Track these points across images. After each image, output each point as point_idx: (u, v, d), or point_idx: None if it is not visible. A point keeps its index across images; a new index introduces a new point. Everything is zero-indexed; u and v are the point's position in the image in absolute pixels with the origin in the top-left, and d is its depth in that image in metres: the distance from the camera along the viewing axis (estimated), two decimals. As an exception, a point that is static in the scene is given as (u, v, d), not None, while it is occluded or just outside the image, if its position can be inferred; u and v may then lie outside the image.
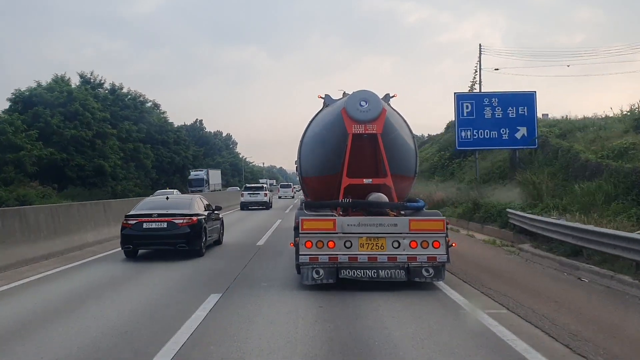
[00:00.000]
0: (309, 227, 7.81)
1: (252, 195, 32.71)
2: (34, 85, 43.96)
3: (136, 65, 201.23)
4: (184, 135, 67.95)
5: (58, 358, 5.08)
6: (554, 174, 17.96)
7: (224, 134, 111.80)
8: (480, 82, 33.30)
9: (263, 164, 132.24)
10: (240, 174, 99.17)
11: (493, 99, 22.89)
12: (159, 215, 11.40)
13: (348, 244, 7.72)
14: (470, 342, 5.44)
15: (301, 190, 13.58)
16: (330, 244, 7.74)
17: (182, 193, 30.52)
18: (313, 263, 7.73)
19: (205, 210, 12.54)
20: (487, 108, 22.94)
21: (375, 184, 8.48)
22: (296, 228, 8.00)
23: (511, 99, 22.93)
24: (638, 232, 8.99)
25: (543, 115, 28.12)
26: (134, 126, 51.01)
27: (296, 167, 11.31)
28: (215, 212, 13.56)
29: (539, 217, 12.29)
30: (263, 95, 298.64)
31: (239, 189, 56.81)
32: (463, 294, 7.58)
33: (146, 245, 11.70)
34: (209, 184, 56.86)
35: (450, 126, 48.46)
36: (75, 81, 49.63)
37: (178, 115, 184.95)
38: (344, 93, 9.65)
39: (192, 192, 42.71)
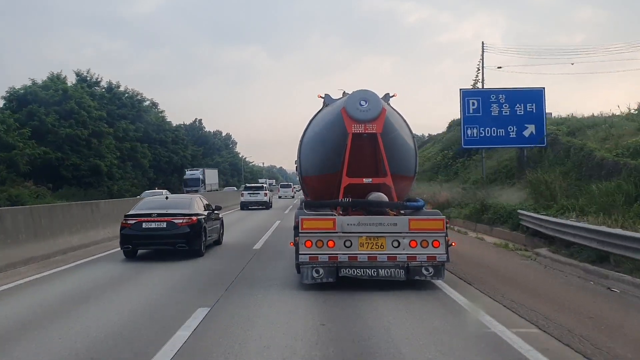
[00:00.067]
0: (308, 226, 7.87)
1: (252, 195, 32.83)
2: (29, 83, 42.52)
3: (136, 65, 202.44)
4: (183, 134, 66.91)
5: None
6: (565, 174, 17.12)
7: (223, 134, 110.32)
8: (483, 80, 32.58)
9: (263, 163, 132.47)
10: (239, 173, 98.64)
11: (500, 96, 22.00)
12: (159, 215, 11.43)
13: (348, 244, 7.79)
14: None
15: (301, 190, 13.57)
16: (330, 243, 7.79)
17: (173, 193, 29.41)
18: (313, 262, 7.79)
19: (205, 210, 12.58)
20: (494, 105, 22.04)
21: (375, 183, 8.55)
22: (296, 227, 8.07)
23: (519, 96, 22.08)
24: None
25: (547, 113, 27.02)
26: (131, 125, 50.23)
27: (296, 166, 11.35)
28: (215, 212, 13.58)
29: (557, 220, 11.36)
30: (263, 95, 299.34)
31: (235, 189, 55.98)
32: (485, 309, 6.88)
33: (145, 245, 11.75)
34: (205, 184, 55.72)
35: (452, 125, 47.76)
36: (71, 79, 48.57)
37: (178, 115, 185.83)
38: (344, 93, 9.69)
39: (188, 192, 41.48)
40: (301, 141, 10.14)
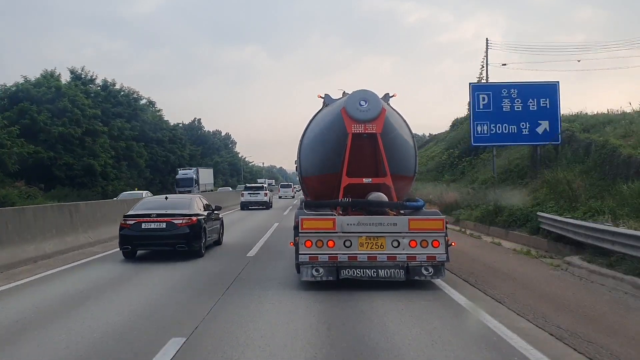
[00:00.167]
0: (308, 226, 7.96)
1: (252, 195, 33.03)
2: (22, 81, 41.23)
3: (136, 65, 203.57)
4: (180, 133, 65.50)
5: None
6: (586, 172, 15.64)
7: (222, 134, 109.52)
8: (487, 77, 31.38)
9: (263, 163, 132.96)
10: (239, 173, 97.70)
11: (512, 90, 20.77)
12: (158, 215, 11.48)
13: (348, 243, 7.89)
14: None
15: (301, 190, 13.68)
16: (330, 243, 7.89)
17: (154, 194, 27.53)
18: (313, 262, 7.89)
19: (205, 210, 12.64)
20: (506, 100, 20.77)
21: (375, 183, 8.67)
22: (296, 227, 8.19)
23: (532, 90, 20.94)
24: None
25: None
26: (126, 124, 49.14)
27: (296, 166, 11.47)
28: (215, 212, 13.64)
29: (591, 224, 9.91)
30: (263, 95, 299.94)
31: (231, 189, 54.17)
32: (528, 340, 5.65)
33: (145, 246, 11.81)
34: (198, 184, 53.29)
35: (455, 123, 46.47)
36: (66, 77, 47.14)
37: (178, 115, 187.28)
38: (344, 93, 9.80)
39: (180, 192, 39.87)
40: (301, 141, 10.24)
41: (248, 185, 38.60)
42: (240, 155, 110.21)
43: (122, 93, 55.46)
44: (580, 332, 5.82)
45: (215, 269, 10.36)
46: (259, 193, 33.21)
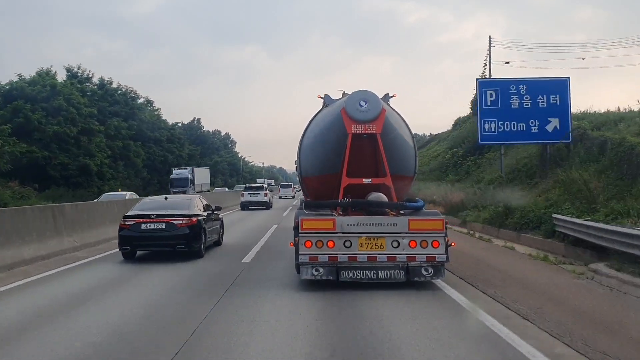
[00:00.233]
0: (308, 226, 8.02)
1: (252, 195, 33.21)
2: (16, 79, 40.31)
3: (136, 65, 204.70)
4: (179, 133, 64.41)
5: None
6: (601, 172, 14.69)
7: (222, 133, 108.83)
8: (490, 76, 30.59)
9: (263, 163, 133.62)
10: (238, 173, 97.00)
11: (521, 86, 19.94)
12: (158, 215, 11.50)
13: (348, 244, 7.97)
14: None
15: (301, 190, 13.68)
16: (330, 243, 7.96)
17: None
18: (313, 263, 7.97)
19: (205, 210, 12.66)
20: (514, 96, 19.96)
21: (375, 183, 8.75)
22: (296, 228, 8.26)
23: (541, 86, 20.11)
24: None
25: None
26: (123, 123, 48.10)
27: (296, 167, 11.54)
28: (215, 212, 13.63)
29: (619, 228, 8.97)
30: (263, 95, 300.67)
31: (227, 189, 52.99)
32: None
33: (145, 246, 11.84)
34: (194, 184, 51.90)
35: (458, 122, 45.61)
36: (62, 76, 46.16)
37: (178, 115, 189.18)
38: (344, 93, 9.87)
39: (175, 193, 38.72)
40: (301, 142, 10.33)
41: (248, 185, 38.63)
42: (240, 155, 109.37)
43: (119, 92, 54.76)
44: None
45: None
46: (259, 193, 33.34)
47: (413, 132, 10.26)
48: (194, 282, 9.26)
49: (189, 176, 51.24)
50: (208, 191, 52.37)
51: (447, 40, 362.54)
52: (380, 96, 8.98)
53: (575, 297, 7.71)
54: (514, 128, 20.49)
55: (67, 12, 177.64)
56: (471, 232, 16.61)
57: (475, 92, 44.04)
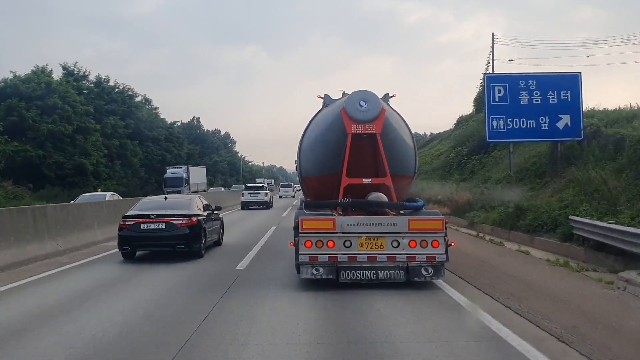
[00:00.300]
0: (308, 226, 8.09)
1: (252, 195, 33.50)
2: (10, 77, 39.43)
3: (136, 65, 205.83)
4: (177, 132, 63.45)
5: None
6: (619, 171, 13.86)
7: (222, 133, 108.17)
8: (493, 74, 29.28)
9: (263, 163, 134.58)
10: (238, 173, 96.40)
11: (530, 82, 19.15)
12: (157, 215, 11.55)
13: (348, 244, 8.04)
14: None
15: (301, 190, 13.65)
16: (330, 243, 8.03)
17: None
18: (313, 262, 8.05)
19: (205, 210, 12.73)
20: (523, 92, 19.12)
21: (375, 183, 8.84)
22: (296, 228, 8.36)
23: (552, 82, 19.35)
24: None
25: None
26: (120, 121, 47.13)
27: (296, 166, 11.61)
28: (215, 212, 13.68)
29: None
30: (263, 95, 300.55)
31: (223, 189, 51.95)
32: None
33: (144, 246, 11.89)
34: (189, 184, 50.36)
35: (460, 121, 44.63)
36: (58, 73, 45.27)
37: (178, 115, 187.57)
38: (344, 93, 9.94)
39: (169, 192, 37.68)
40: (301, 142, 10.42)
41: (248, 185, 38.91)
42: (239, 155, 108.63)
43: (116, 90, 53.89)
44: None
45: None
46: (259, 193, 33.71)
47: (413, 131, 10.30)
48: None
49: (184, 175, 49.97)
50: (204, 191, 51.46)
51: (447, 40, 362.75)
52: (380, 96, 9.06)
53: (611, 312, 6.91)
54: (523, 125, 19.71)
55: (67, 12, 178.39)
56: (481, 235, 15.76)
57: (479, 89, 43.09)
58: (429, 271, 7.98)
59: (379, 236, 8.00)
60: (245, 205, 33.26)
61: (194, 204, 12.29)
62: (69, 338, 5.93)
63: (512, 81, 19.19)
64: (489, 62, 34.56)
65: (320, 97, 10.28)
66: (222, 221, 14.83)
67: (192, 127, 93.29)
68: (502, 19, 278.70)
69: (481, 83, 41.16)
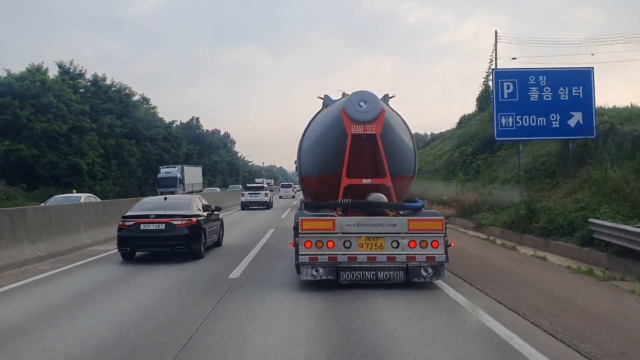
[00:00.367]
0: (308, 227, 8.14)
1: (252, 195, 33.60)
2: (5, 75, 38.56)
3: (136, 65, 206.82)
4: (176, 131, 62.52)
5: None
6: (638, 171, 12.85)
7: (221, 133, 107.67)
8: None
9: (263, 163, 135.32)
10: (238, 173, 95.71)
11: (540, 77, 18.38)
12: (157, 216, 11.60)
13: (347, 244, 8.11)
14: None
15: (301, 190, 13.69)
16: (330, 244, 8.10)
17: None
18: (313, 263, 8.12)
19: (205, 210, 12.80)
20: (533, 88, 18.29)
21: (375, 184, 8.91)
22: (296, 228, 8.44)
23: (563, 77, 18.71)
24: None
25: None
26: (117, 120, 45.99)
27: (296, 167, 11.69)
28: (215, 212, 13.73)
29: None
30: (263, 95, 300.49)
31: (218, 189, 51.14)
32: None
33: (144, 247, 11.90)
34: (183, 184, 48.93)
35: (463, 120, 43.69)
36: (54, 72, 44.38)
37: (178, 115, 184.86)
38: (344, 93, 10.01)
39: (162, 193, 36.62)
40: (301, 142, 10.53)
41: (249, 185, 39.17)
42: (239, 155, 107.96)
43: (113, 89, 52.99)
44: None
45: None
46: (259, 193, 33.88)
47: (413, 131, 10.37)
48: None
49: (178, 175, 48.50)
50: (200, 191, 50.56)
51: (447, 40, 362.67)
52: (380, 97, 9.14)
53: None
54: (533, 123, 18.89)
55: (67, 12, 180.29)
56: (491, 238, 14.89)
57: (482, 88, 42.03)
58: (429, 272, 8.06)
59: (378, 236, 8.08)
60: (245, 206, 33.52)
61: (194, 205, 12.38)
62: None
63: (521, 77, 18.40)
64: (492, 61, 33.67)
65: (320, 97, 10.36)
66: (222, 222, 14.92)
67: (191, 127, 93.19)
68: (502, 19, 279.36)
69: (484, 81, 40.28)
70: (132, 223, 11.44)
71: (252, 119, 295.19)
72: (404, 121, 9.91)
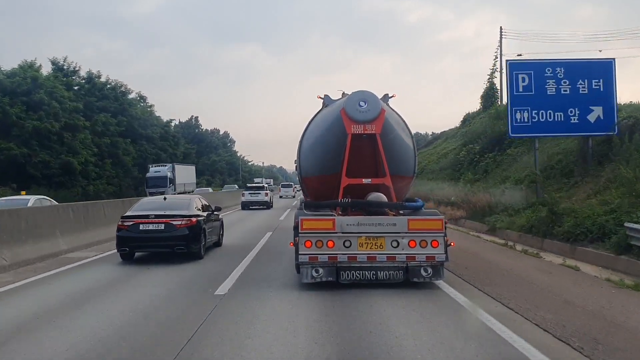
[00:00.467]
0: (308, 226, 8.23)
1: (253, 195, 33.78)
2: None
3: (136, 65, 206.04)
4: (173, 130, 61.15)
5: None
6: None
7: (221, 132, 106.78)
8: (500, 69, 27.49)
9: (263, 163, 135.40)
10: (237, 172, 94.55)
11: (558, 69, 17.26)
12: (156, 216, 11.59)
13: (347, 244, 8.22)
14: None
15: (301, 190, 13.78)
16: (330, 243, 8.19)
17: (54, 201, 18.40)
18: (313, 262, 8.23)
19: (204, 210, 12.86)
20: (550, 81, 17.05)
21: (375, 183, 9.04)
22: (296, 228, 8.59)
23: (582, 69, 18.14)
24: None
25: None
26: (112, 119, 44.52)
27: (296, 167, 11.83)
28: (215, 212, 13.76)
29: None
30: (263, 95, 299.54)
31: (211, 189, 49.62)
32: None
33: (143, 247, 11.88)
34: (174, 184, 46.66)
35: (467, 118, 42.35)
36: (47, 69, 43.03)
37: (178, 115, 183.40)
38: (343, 93, 10.15)
39: (152, 194, 35.07)
40: (301, 142, 10.67)
41: (249, 185, 39.43)
42: (239, 155, 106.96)
43: (108, 86, 51.74)
44: None
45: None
46: (259, 193, 34.16)
47: (413, 131, 10.51)
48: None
49: (169, 174, 46.24)
50: (191, 192, 48.83)
51: (448, 39, 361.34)
52: (380, 96, 9.28)
53: None
54: (549, 118, 17.69)
55: (67, 12, 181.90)
56: (510, 244, 13.48)
57: (486, 85, 40.62)
58: (428, 272, 8.19)
59: (378, 236, 8.18)
60: (246, 205, 33.90)
61: (194, 205, 12.44)
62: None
63: (537, 68, 17.21)
64: (497, 57, 32.22)
65: (320, 97, 10.43)
66: (222, 222, 14.97)
67: (190, 127, 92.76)
68: (503, 17, 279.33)
69: (489, 78, 38.91)
70: (131, 223, 11.51)
71: (252, 118, 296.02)
72: (403, 121, 10.11)
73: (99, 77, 52.30)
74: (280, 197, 53.17)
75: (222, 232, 14.69)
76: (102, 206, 16.10)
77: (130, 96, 57.48)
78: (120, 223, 11.68)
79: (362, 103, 8.64)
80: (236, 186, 64.30)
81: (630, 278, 9.24)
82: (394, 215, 8.90)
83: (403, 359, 5.13)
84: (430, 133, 63.75)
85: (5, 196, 32.81)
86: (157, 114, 64.18)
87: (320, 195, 10.05)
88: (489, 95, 38.78)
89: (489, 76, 38.93)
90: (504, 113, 28.69)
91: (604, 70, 17.45)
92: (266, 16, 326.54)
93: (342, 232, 8.13)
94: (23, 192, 27.09)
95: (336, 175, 8.99)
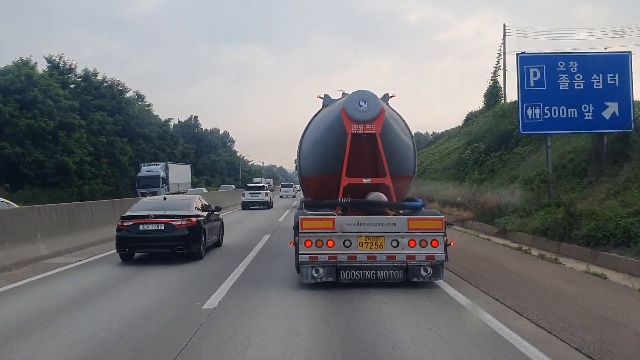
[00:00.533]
0: (308, 226, 8.29)
1: (253, 195, 33.97)
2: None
3: (136, 65, 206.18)
4: (172, 130, 60.23)
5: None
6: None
7: (220, 132, 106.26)
8: (504, 67, 26.68)
9: (263, 163, 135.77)
10: (237, 172, 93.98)
11: (571, 63, 16.46)
12: (156, 216, 11.62)
13: (347, 243, 8.29)
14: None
15: (301, 190, 13.88)
16: (330, 243, 8.26)
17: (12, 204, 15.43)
18: (313, 262, 8.31)
19: (204, 210, 12.88)
20: (563, 75, 16.27)
21: (375, 183, 9.15)
22: (296, 227, 8.67)
23: (596, 63, 18.36)
24: None
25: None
26: (108, 117, 43.56)
27: (296, 166, 11.95)
28: (215, 212, 13.79)
29: None
30: (263, 95, 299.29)
31: (205, 189, 48.66)
32: None
33: (143, 248, 11.89)
34: (168, 183, 45.31)
35: (470, 117, 41.42)
36: (43, 67, 42.16)
37: (178, 114, 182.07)
38: (343, 93, 10.25)
39: (144, 194, 34.00)
40: (301, 142, 10.76)
41: (249, 185, 39.52)
42: (238, 154, 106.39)
43: (104, 85, 50.79)
44: None
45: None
46: (260, 193, 34.35)
47: (414, 131, 10.65)
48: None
49: (161, 174, 44.81)
50: (184, 192, 46.66)
51: (448, 39, 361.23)
52: (380, 96, 9.36)
53: None
54: (562, 114, 16.94)
55: (67, 12, 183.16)
56: (524, 248, 12.54)
57: (489, 84, 39.68)
58: (428, 271, 8.24)
59: (378, 236, 8.23)
60: (246, 205, 34.09)
61: (194, 205, 12.49)
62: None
63: (549, 62, 16.49)
64: (500, 55, 31.36)
65: (320, 97, 10.49)
66: (222, 222, 14.99)
67: (190, 126, 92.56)
68: (503, 17, 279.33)
69: (492, 77, 38.12)
70: (130, 223, 11.53)
71: (252, 118, 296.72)
72: (403, 121, 10.20)
73: (96, 75, 51.92)
74: (281, 197, 53.71)
75: (222, 232, 14.71)
76: (89, 207, 15.42)
77: (128, 95, 57.69)
78: (119, 223, 11.71)
79: (362, 103, 8.72)
80: (233, 186, 63.34)
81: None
82: (394, 214, 9.02)
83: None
84: (430, 133, 63.00)
85: (-2, 196, 32.13)
86: (155, 113, 64.03)
87: (320, 195, 10.16)
88: (492, 93, 38.13)
89: (492, 74, 38.19)
90: (509, 111, 28.00)
91: (619, 64, 16.69)
92: (266, 16, 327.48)
93: (342, 232, 8.21)
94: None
95: (336, 175, 9.10)
